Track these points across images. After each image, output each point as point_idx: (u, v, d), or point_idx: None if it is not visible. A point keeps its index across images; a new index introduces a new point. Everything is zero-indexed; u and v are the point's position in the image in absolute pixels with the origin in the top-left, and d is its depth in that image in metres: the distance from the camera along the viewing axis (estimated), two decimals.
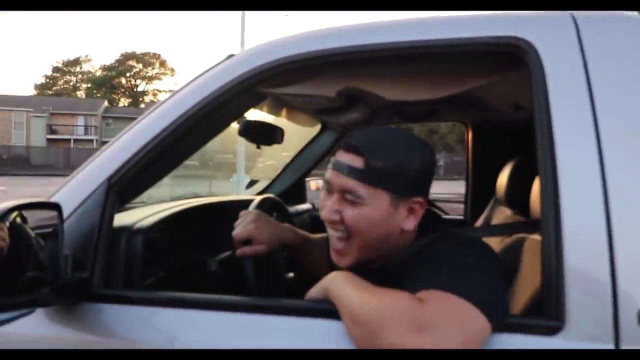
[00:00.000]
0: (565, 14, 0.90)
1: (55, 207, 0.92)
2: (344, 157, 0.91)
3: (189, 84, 1.04)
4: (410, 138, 0.93)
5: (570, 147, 0.82)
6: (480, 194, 2.28)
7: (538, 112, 0.85)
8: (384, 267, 0.95)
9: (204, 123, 1.02)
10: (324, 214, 0.92)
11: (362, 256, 0.93)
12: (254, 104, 1.27)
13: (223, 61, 1.05)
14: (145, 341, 0.90)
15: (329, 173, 0.92)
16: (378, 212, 0.89)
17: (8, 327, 0.94)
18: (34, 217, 0.96)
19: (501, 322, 0.78)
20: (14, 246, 0.86)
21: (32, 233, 0.95)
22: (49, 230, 0.94)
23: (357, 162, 0.89)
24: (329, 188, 0.93)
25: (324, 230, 2.13)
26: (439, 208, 1.32)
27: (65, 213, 0.95)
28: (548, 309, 0.79)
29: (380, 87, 1.13)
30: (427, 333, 0.71)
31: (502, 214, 1.66)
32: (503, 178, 1.58)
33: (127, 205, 1.29)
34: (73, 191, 1.00)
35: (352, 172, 0.88)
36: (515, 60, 0.91)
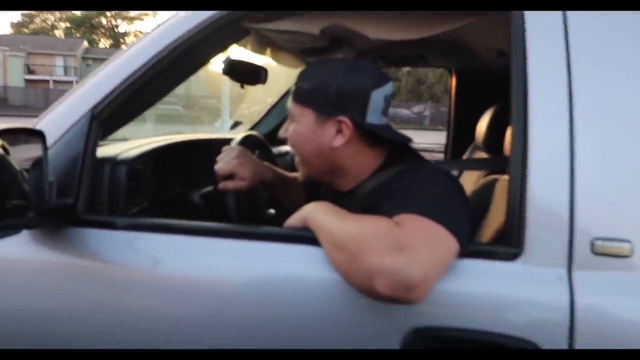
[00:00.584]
0: None
1: (39, 134, 0.93)
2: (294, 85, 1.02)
3: (174, 16, 1.04)
4: (340, 63, 1.00)
5: (542, 91, 0.85)
6: (461, 140, 2.32)
7: (514, 56, 0.88)
8: (354, 191, 1.01)
9: (188, 55, 1.02)
10: (280, 132, 1.06)
11: (307, 170, 1.06)
12: (237, 39, 1.26)
13: None
14: (129, 264, 0.95)
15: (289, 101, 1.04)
16: (305, 128, 1.00)
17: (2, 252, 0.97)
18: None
19: (467, 243, 0.84)
20: None
21: (15, 163, 0.97)
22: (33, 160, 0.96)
23: (295, 85, 1.02)
24: None
25: None
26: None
27: (49, 141, 0.97)
28: (509, 237, 0.85)
29: (364, 25, 1.13)
30: (404, 253, 0.75)
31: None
32: (482, 124, 1.62)
33: (111, 139, 1.30)
34: (57, 120, 1.01)
35: (292, 94, 1.02)
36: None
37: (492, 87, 2.04)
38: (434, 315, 0.84)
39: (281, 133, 1.05)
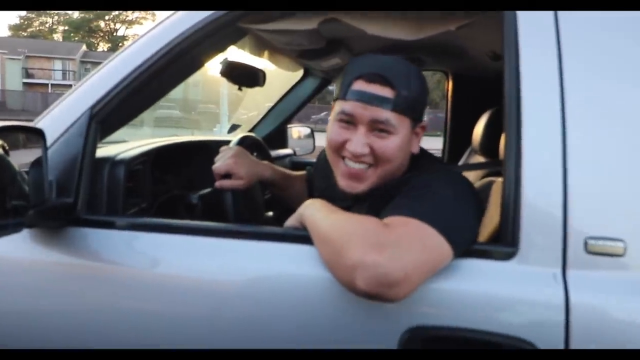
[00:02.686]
0: None
1: (39, 132, 0.94)
2: (370, 89, 0.92)
3: (172, 15, 1.05)
4: (414, 65, 0.98)
5: (535, 92, 0.86)
6: (458, 144, 2.34)
7: (507, 57, 0.89)
8: (371, 193, 0.99)
9: (186, 55, 1.03)
10: (354, 148, 0.93)
11: (378, 183, 0.97)
12: (235, 40, 1.28)
13: None
14: (128, 264, 0.95)
15: (351, 106, 0.93)
16: (404, 139, 0.95)
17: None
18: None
19: (465, 248, 0.84)
20: None
21: (14, 164, 0.98)
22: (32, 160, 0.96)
23: (385, 92, 0.92)
24: (351, 120, 0.94)
25: None
26: None
27: (49, 141, 0.97)
28: (504, 237, 0.85)
29: (362, 21, 1.14)
30: (388, 250, 0.75)
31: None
32: (479, 128, 1.63)
33: (110, 141, 1.31)
34: (56, 119, 1.02)
35: (383, 102, 0.91)
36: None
37: (488, 90, 2.05)
38: (430, 314, 0.85)
39: (360, 149, 0.93)
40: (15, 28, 54.71)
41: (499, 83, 0.92)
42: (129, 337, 0.93)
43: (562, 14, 0.87)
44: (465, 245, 0.85)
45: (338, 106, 0.97)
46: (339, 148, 0.97)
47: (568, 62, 0.86)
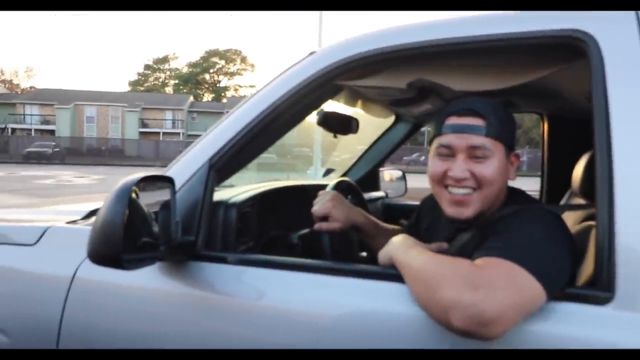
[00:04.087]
0: (630, 12, 0.94)
1: (170, 180, 1.11)
2: (462, 121, 1.03)
3: (276, 77, 1.20)
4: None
5: (626, 138, 0.87)
6: (555, 186, 2.26)
7: (596, 103, 0.91)
8: (473, 225, 1.06)
9: (289, 112, 1.17)
10: (455, 174, 1.02)
11: (482, 209, 1.04)
12: (332, 95, 1.40)
13: (306, 57, 1.19)
14: (237, 295, 1.07)
15: (448, 137, 1.03)
16: (501, 163, 1.03)
17: (133, 281, 1.14)
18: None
19: (557, 293, 0.85)
20: (132, 216, 1.03)
21: (145, 207, 1.15)
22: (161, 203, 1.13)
23: (477, 121, 1.02)
24: (449, 152, 1.04)
25: (396, 216, 2.24)
26: None
27: (175, 187, 1.14)
28: (599, 281, 0.85)
29: (448, 78, 1.21)
30: (481, 290, 0.79)
31: None
32: (578, 169, 1.59)
33: (222, 186, 1.48)
34: (181, 169, 1.19)
35: (476, 129, 1.01)
36: (577, 52, 0.96)
37: (586, 132, 1.99)
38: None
39: (462, 173, 1.01)
40: (133, 84, 61.32)
41: None
42: None
43: None
44: (558, 287, 0.86)
45: (435, 143, 1.07)
46: (441, 178, 1.05)
47: None
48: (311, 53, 1.21)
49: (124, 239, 0.96)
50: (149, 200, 1.10)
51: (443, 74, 1.23)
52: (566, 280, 0.89)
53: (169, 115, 42.94)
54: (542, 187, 2.42)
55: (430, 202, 1.32)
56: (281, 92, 1.15)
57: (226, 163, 1.18)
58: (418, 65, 1.24)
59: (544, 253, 0.88)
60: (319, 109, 1.69)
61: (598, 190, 0.88)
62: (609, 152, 0.87)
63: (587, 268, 1.10)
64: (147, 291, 1.14)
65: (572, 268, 0.93)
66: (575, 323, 0.85)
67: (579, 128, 2.07)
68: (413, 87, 1.38)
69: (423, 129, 2.59)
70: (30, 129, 39.96)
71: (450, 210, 1.05)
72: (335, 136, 1.83)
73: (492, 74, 1.20)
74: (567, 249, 0.93)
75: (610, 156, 0.87)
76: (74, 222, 1.37)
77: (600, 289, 0.85)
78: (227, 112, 1.26)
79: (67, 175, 18.82)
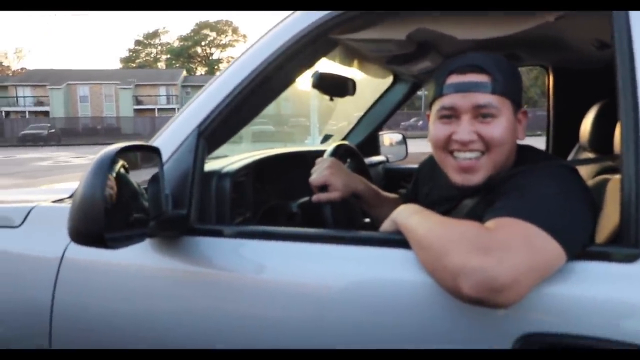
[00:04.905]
0: None
1: (156, 150, 1.03)
2: (465, 78, 0.93)
3: (265, 34, 1.10)
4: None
5: None
6: (563, 143, 2.19)
7: (619, 44, 0.82)
8: (482, 187, 0.98)
9: (280, 71, 1.08)
10: (461, 136, 0.93)
11: (491, 172, 0.95)
12: (326, 52, 1.31)
13: (297, 11, 1.09)
14: (235, 269, 1.01)
15: (450, 98, 0.94)
16: (509, 121, 0.95)
17: (123, 259, 1.08)
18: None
19: (578, 252, 0.79)
20: (121, 193, 0.97)
21: (134, 181, 1.08)
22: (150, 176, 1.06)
23: (482, 78, 0.93)
24: (453, 113, 0.95)
25: (398, 181, 2.17)
26: None
27: (163, 158, 1.06)
28: (626, 237, 0.79)
29: (450, 27, 1.12)
30: (494, 254, 0.72)
31: None
32: (587, 123, 1.51)
33: (214, 157, 1.40)
34: (168, 139, 1.11)
35: (481, 87, 0.92)
36: None
37: (595, 82, 1.90)
38: (545, 321, 0.80)
39: (468, 136, 0.92)
40: (125, 60, 60.48)
41: (608, 73, 0.86)
42: (233, 338, 0.98)
43: None
44: (579, 246, 0.79)
45: (436, 105, 0.98)
46: (445, 144, 0.97)
47: None
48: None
49: (111, 216, 0.89)
50: (142, 174, 1.03)
51: (445, 22, 1.14)
52: (587, 238, 0.82)
53: (162, 91, 42.50)
54: (547, 144, 2.34)
55: (427, 167, 1.24)
56: (271, 49, 1.06)
57: (216, 130, 1.10)
58: (418, 14, 1.15)
59: (561, 209, 0.81)
60: (313, 70, 1.60)
61: (623, 141, 0.81)
62: (635, 98, 0.79)
63: (607, 224, 1.04)
64: (140, 269, 1.08)
65: (593, 224, 0.86)
66: (598, 283, 0.79)
67: (586, 79, 1.99)
68: (412, 40, 1.29)
69: (420, 92, 2.50)
70: (24, 111, 39.65)
71: (457, 177, 0.97)
72: (331, 99, 1.75)
73: (497, 20, 1.11)
74: (586, 203, 0.85)
75: (636, 103, 0.79)
76: (60, 200, 1.30)
77: (627, 245, 0.78)
78: None
79: (64, 156, 18.70)
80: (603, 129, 1.38)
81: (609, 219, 1.03)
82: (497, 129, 0.93)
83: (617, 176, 1.12)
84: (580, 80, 2.02)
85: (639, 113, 0.79)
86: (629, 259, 0.77)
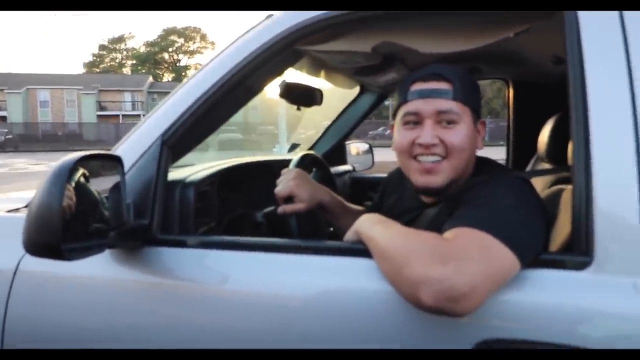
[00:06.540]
0: None
1: (117, 159, 1.01)
2: (428, 85, 0.98)
3: (232, 43, 1.10)
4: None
5: (602, 96, 0.83)
6: (522, 153, 2.26)
7: (571, 60, 0.86)
8: (442, 199, 1.02)
9: (246, 80, 1.08)
10: (424, 140, 0.96)
11: (452, 178, 0.99)
12: (293, 62, 1.32)
13: (263, 21, 1.10)
14: (200, 280, 1.00)
15: (414, 105, 0.98)
16: (469, 129, 0.99)
17: (82, 271, 1.05)
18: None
19: (531, 260, 0.82)
20: (80, 202, 0.94)
21: (94, 190, 1.05)
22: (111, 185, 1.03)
23: (444, 85, 0.98)
24: (416, 119, 0.99)
25: (364, 190, 2.18)
26: None
27: (125, 167, 1.04)
28: (577, 246, 0.82)
29: (414, 40, 1.15)
30: (451, 263, 0.74)
31: None
32: (544, 134, 1.57)
33: (180, 165, 1.39)
34: (131, 147, 1.09)
35: (443, 93, 0.97)
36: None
37: (552, 96, 1.98)
38: (502, 327, 0.82)
39: (430, 139, 0.96)
40: (89, 65, 59.00)
41: (564, 87, 0.90)
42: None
43: (628, 13, 0.84)
44: (532, 255, 0.82)
45: (400, 112, 1.02)
46: (409, 148, 1.00)
47: (638, 62, 0.82)
48: (269, 16, 1.12)
49: (69, 226, 0.87)
50: (105, 182, 1.01)
51: (409, 36, 1.16)
52: (540, 247, 0.85)
53: (128, 97, 41.59)
54: (507, 154, 2.42)
55: (395, 178, 1.27)
56: (237, 59, 1.06)
57: (181, 138, 1.09)
58: (383, 28, 1.17)
59: (515, 219, 0.84)
60: (280, 80, 1.61)
61: (574, 153, 0.84)
62: (585, 113, 0.83)
63: (561, 232, 1.08)
64: (99, 281, 1.05)
65: (546, 233, 0.89)
66: (551, 289, 0.81)
67: (543, 93, 2.07)
68: (378, 52, 1.31)
69: (387, 102, 2.54)
70: None
71: (419, 179, 1.00)
72: (298, 109, 1.75)
73: (460, 35, 1.15)
74: (539, 214, 0.89)
75: (586, 117, 0.83)
76: (15, 210, 1.25)
77: (578, 253, 0.82)
78: None
79: (21, 162, 18.03)
80: (558, 140, 1.44)
81: (563, 227, 1.07)
82: (458, 135, 0.97)
83: (571, 186, 1.17)
84: (538, 93, 2.10)
85: (589, 126, 0.83)
86: (580, 266, 0.81)
